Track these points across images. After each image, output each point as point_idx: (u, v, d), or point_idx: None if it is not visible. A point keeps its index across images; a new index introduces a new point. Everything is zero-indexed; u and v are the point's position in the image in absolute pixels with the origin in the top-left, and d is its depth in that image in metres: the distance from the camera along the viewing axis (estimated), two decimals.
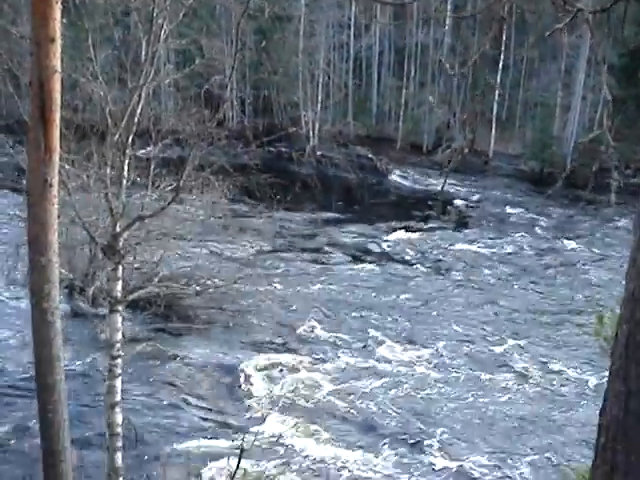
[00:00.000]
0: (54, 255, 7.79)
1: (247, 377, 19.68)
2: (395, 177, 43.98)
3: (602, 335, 8.01)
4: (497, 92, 46.81)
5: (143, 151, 13.89)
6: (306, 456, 16.45)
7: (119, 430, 13.08)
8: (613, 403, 3.60)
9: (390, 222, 35.72)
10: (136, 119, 12.56)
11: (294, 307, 24.47)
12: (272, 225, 33.10)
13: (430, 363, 21.27)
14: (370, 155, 43.58)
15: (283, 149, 43.00)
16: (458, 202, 40.02)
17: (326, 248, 31.28)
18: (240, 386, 19.32)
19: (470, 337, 23.13)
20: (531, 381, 20.59)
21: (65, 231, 14.69)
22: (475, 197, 41.25)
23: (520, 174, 44.47)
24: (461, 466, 16.51)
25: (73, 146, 13.43)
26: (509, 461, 16.90)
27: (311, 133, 43.86)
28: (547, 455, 17.06)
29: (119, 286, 12.71)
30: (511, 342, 22.79)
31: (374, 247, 31.99)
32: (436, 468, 16.44)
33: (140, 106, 12.61)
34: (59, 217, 8.60)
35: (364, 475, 16.01)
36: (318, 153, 43.05)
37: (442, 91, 48.97)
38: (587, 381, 20.27)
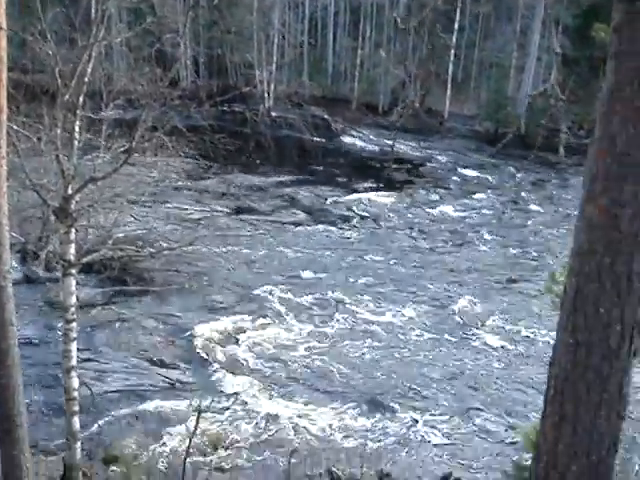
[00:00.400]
0: (4, 218, 7.68)
1: (204, 339, 19.64)
2: (350, 137, 43.87)
3: (554, 292, 8.15)
4: (453, 52, 46.83)
5: (105, 114, 13.63)
6: (264, 416, 16.54)
7: (76, 394, 13.03)
8: (562, 355, 3.68)
9: (345, 183, 35.77)
10: (86, 79, 12.35)
11: (251, 269, 24.44)
12: (227, 186, 32.91)
13: (393, 323, 21.39)
14: (325, 115, 43.36)
15: (237, 109, 42.55)
16: (412, 162, 40.17)
17: (281, 209, 31.22)
18: (197, 348, 19.28)
19: (433, 295, 23.36)
20: (500, 340, 20.81)
21: (16, 194, 14.40)
22: (429, 157, 41.44)
23: (475, 135, 44.75)
24: (421, 422, 16.78)
25: (23, 107, 13.15)
26: (473, 417, 17.19)
27: (266, 93, 43.43)
28: (511, 410, 17.39)
29: (72, 249, 12.57)
30: (476, 301, 23.04)
31: (330, 208, 32.00)
32: (397, 426, 16.66)
33: (91, 65, 12.39)
34: (9, 180, 8.45)
35: (324, 433, 16.17)
36: (273, 113, 42.69)
37: (398, 51, 48.81)
38: (547, 338, 20.60)
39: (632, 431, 14.15)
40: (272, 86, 43.87)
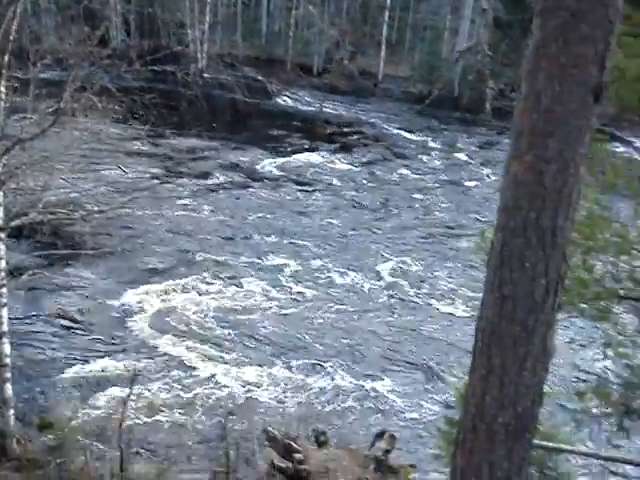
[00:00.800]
0: None
1: (138, 303, 19.47)
2: (284, 99, 43.61)
3: (484, 250, 8.27)
4: (387, 14, 46.77)
5: (33, 73, 13.24)
6: (200, 378, 16.55)
7: (7, 361, 12.84)
8: (489, 309, 3.75)
9: (280, 145, 35.58)
10: (12, 37, 11.97)
11: (186, 232, 24.18)
12: (160, 147, 32.40)
13: (339, 285, 21.53)
14: (259, 77, 42.87)
15: (169, 69, 41.70)
16: (348, 124, 40.21)
17: (215, 172, 30.89)
18: (132, 311, 19.11)
19: (378, 257, 23.60)
20: (446, 301, 21.10)
21: None
22: (365, 119, 41.54)
23: (409, 96, 44.96)
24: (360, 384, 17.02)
25: None
26: (412, 376, 17.50)
27: (198, 54, 42.72)
28: (451, 368, 17.75)
29: (0, 213, 12.29)
30: (422, 263, 23.37)
31: (264, 170, 31.79)
32: (334, 386, 16.85)
33: (16, 23, 12.00)
34: None
35: (260, 394, 16.26)
36: (205, 74, 42.02)
37: (332, 12, 48.53)
38: None
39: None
40: (205, 46, 43.21)
